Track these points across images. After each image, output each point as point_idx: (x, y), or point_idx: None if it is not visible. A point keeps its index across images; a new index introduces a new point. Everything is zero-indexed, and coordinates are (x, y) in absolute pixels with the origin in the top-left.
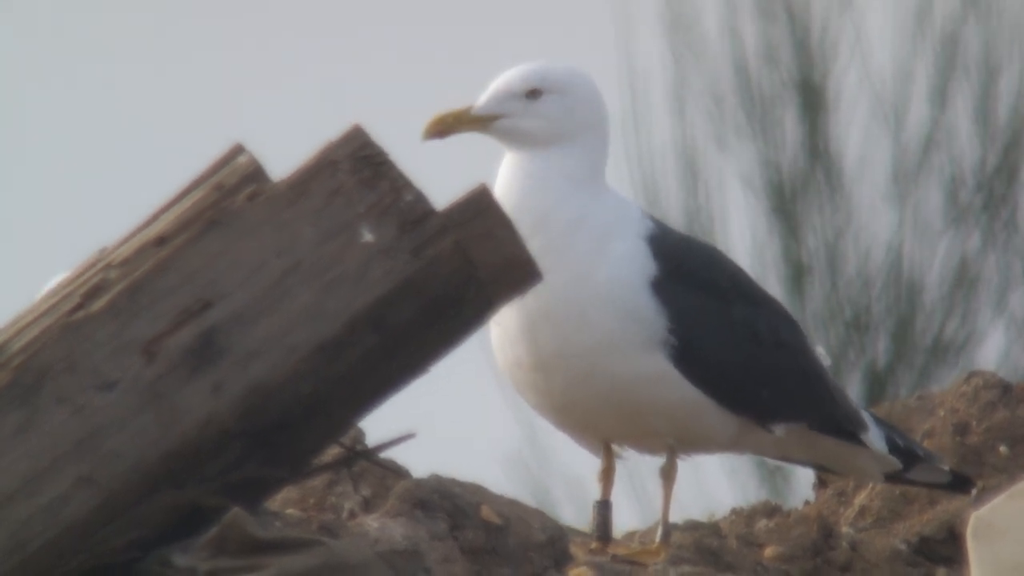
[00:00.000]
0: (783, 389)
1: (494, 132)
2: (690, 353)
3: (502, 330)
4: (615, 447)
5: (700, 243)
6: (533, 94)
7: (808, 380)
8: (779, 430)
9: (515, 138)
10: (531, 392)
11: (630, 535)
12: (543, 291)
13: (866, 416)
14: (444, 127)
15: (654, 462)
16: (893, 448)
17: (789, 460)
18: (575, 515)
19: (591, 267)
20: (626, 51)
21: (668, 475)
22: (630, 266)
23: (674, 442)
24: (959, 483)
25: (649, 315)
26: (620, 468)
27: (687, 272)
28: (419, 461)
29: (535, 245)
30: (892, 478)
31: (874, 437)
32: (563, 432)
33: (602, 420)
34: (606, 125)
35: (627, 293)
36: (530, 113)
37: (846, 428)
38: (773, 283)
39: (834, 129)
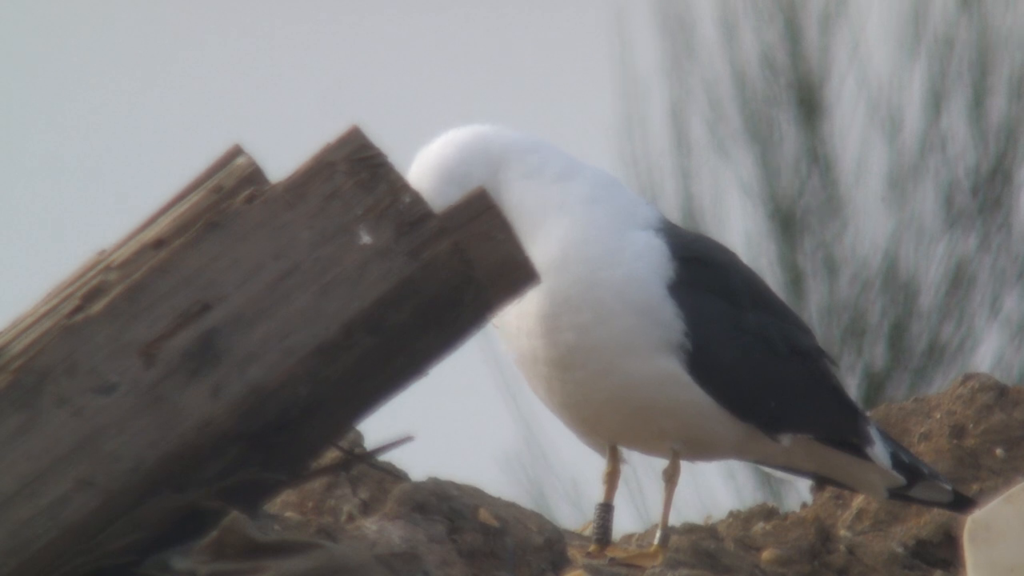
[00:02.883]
0: (792, 399)
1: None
2: (702, 357)
3: (519, 322)
4: (621, 451)
5: (716, 243)
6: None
7: (818, 391)
8: (786, 439)
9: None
10: (543, 387)
11: (627, 538)
12: (563, 280)
13: (873, 431)
14: None
15: (652, 466)
16: (898, 464)
17: (793, 471)
18: (573, 518)
19: (610, 256)
20: (623, 56)
21: (671, 478)
22: (648, 263)
23: (679, 446)
24: (960, 503)
25: (665, 316)
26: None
27: (704, 274)
28: (417, 464)
29: (558, 229)
30: (895, 494)
31: (879, 452)
32: (571, 430)
33: (610, 419)
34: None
35: (645, 291)
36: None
37: (852, 441)
38: (771, 287)
39: (831, 134)
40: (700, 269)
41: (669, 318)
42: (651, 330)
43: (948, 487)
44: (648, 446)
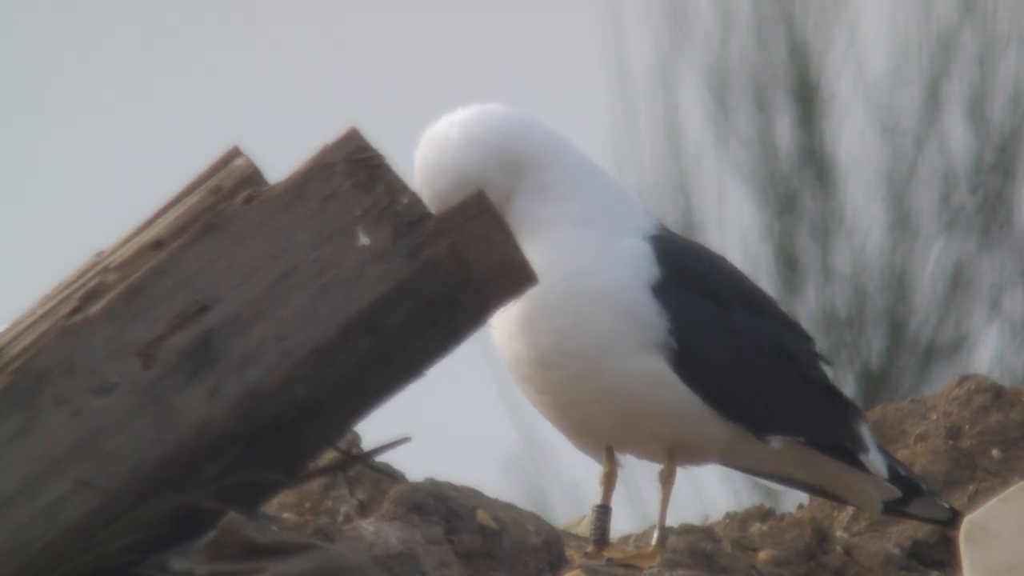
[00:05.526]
0: (780, 399)
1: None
2: (688, 356)
3: (502, 324)
4: (617, 453)
5: (706, 249)
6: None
7: (807, 393)
8: (775, 442)
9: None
10: (531, 389)
11: (625, 539)
12: (543, 287)
13: (868, 438)
14: None
15: (650, 467)
16: (894, 477)
17: (789, 482)
18: (571, 519)
19: (593, 266)
20: (620, 52)
21: (667, 480)
22: (631, 267)
23: (672, 447)
24: (956, 522)
25: (648, 317)
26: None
27: (690, 276)
28: (415, 465)
29: (545, 242)
30: (891, 510)
31: (875, 460)
32: (565, 436)
33: (600, 422)
34: (537, 146)
35: (626, 294)
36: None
37: (845, 447)
38: (767, 285)
39: (829, 130)
40: (686, 271)
41: (652, 319)
42: (633, 332)
43: (946, 505)
44: (640, 448)
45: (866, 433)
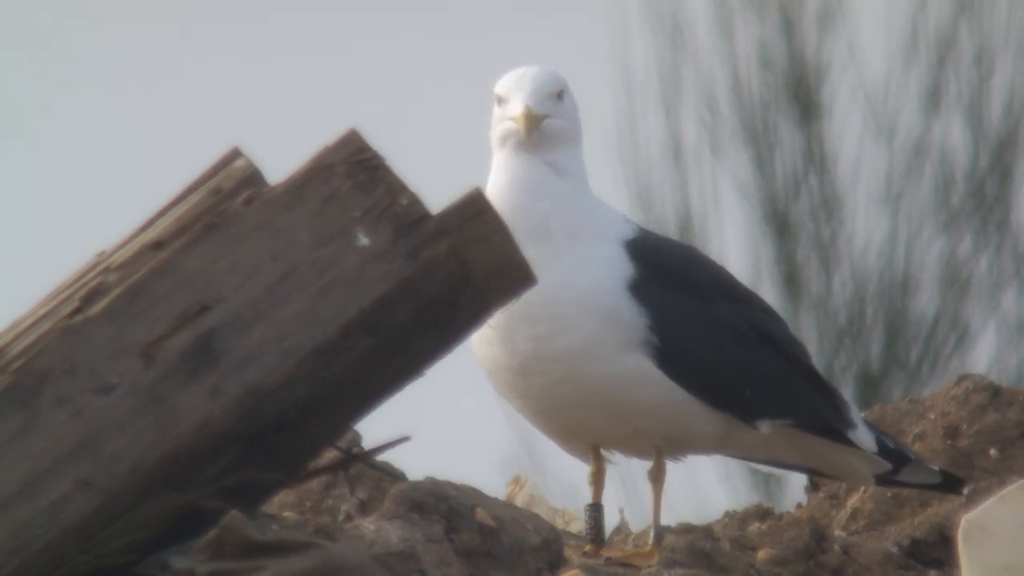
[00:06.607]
0: (766, 384)
1: (540, 132)
2: (671, 351)
3: (481, 331)
4: (603, 451)
5: (679, 244)
6: (560, 95)
7: (791, 375)
8: (764, 427)
9: (552, 138)
10: (512, 394)
11: (623, 538)
12: (520, 300)
13: (854, 415)
14: (531, 125)
15: (646, 464)
16: (883, 450)
17: (780, 464)
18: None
19: (572, 272)
20: (621, 55)
21: (657, 478)
22: (609, 270)
23: (661, 443)
24: (950, 483)
25: (629, 317)
26: (613, 470)
27: (666, 273)
28: (415, 464)
29: (530, 252)
30: (883, 480)
31: (863, 436)
32: (549, 438)
33: (586, 422)
34: None
35: (606, 297)
36: (560, 113)
37: (832, 426)
38: (767, 288)
39: (828, 135)
40: (662, 268)
41: (633, 318)
42: (615, 333)
43: (935, 468)
44: (629, 446)
45: (852, 410)
